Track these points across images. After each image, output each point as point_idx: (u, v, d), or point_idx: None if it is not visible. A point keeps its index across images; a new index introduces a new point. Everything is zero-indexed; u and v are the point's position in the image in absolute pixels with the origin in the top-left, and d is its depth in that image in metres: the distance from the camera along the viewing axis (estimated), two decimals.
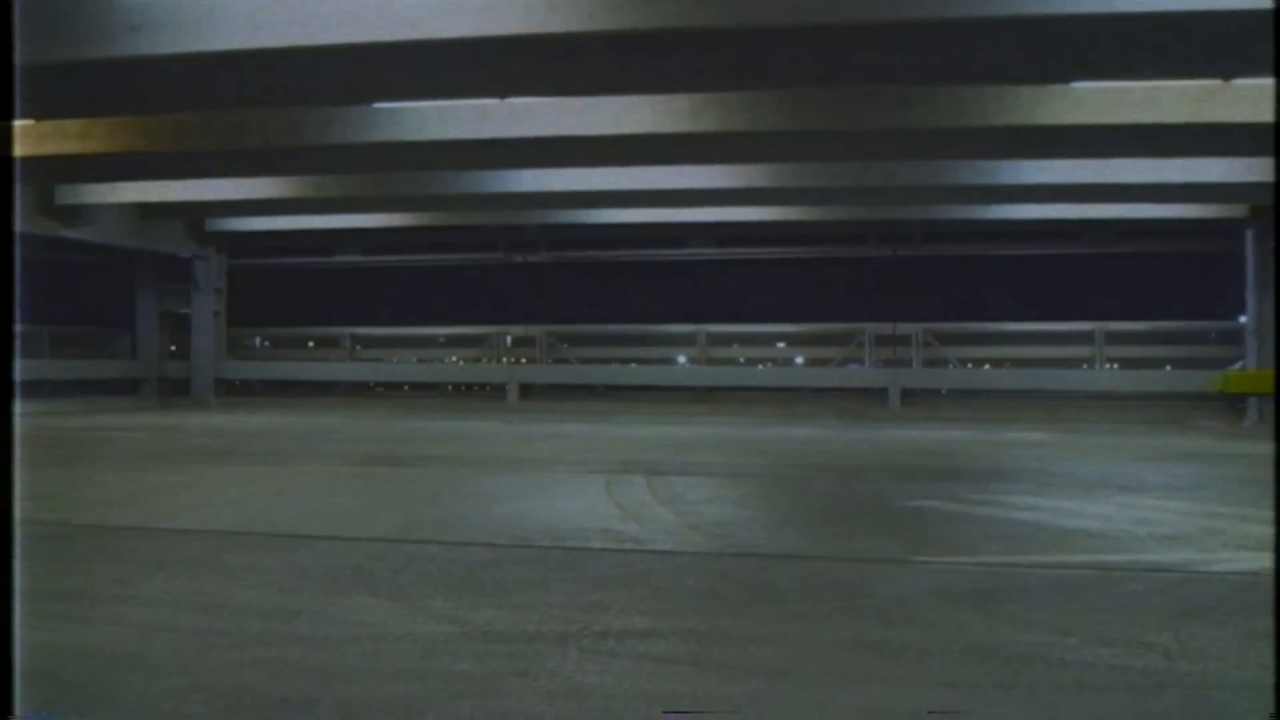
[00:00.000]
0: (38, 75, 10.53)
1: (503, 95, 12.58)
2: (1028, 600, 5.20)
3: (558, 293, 25.26)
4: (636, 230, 22.59)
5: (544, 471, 10.50)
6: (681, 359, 24.96)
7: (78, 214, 18.89)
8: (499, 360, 25.47)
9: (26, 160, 13.77)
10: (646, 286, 24.88)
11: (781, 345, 25.73)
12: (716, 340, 24.79)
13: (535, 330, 24.98)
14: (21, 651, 4.58)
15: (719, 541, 6.73)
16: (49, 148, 13.41)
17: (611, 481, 9.45)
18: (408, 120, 13.32)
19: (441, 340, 26.85)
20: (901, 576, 5.74)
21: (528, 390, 23.53)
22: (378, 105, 13.04)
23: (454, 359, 26.51)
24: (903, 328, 24.36)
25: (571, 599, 5.17)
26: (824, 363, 24.53)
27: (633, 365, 24.75)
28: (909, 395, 22.33)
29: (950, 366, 24.41)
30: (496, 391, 23.82)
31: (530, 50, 10.08)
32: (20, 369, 19.21)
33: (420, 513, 7.95)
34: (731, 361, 25.22)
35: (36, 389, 20.72)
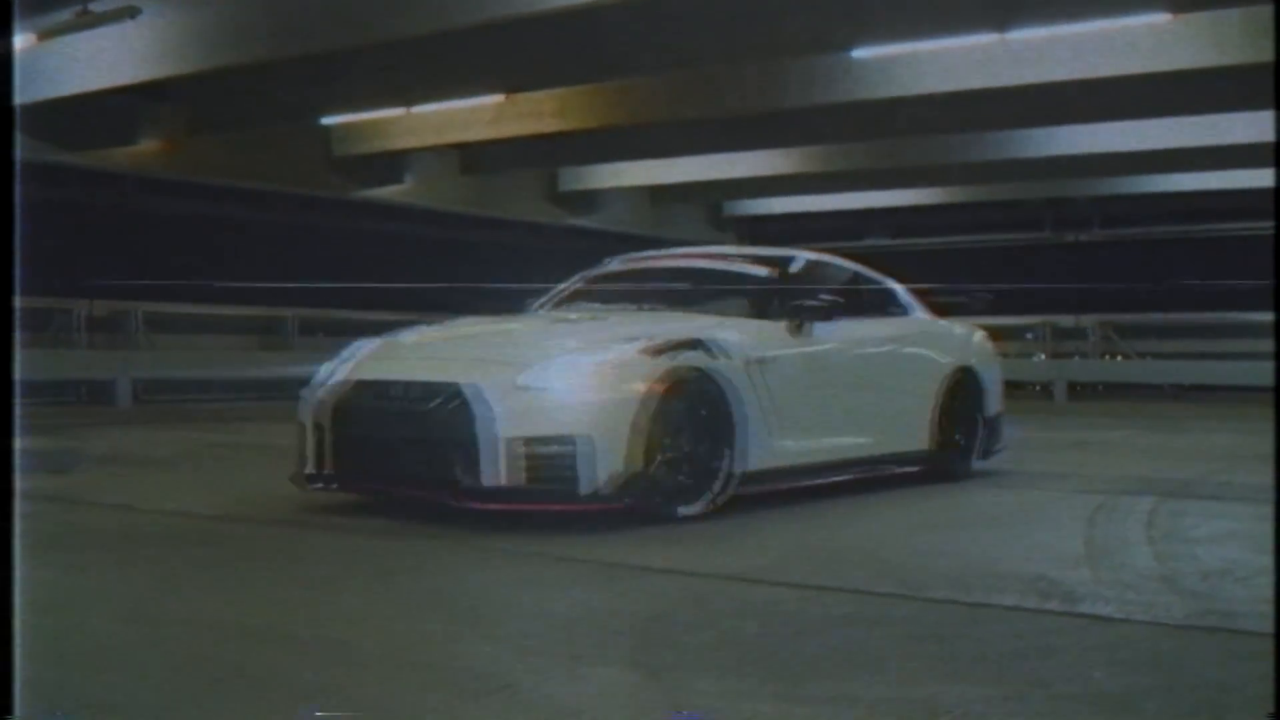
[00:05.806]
0: (490, 39, 9.99)
1: (1002, 29, 10.56)
2: None
3: (1110, 276, 22.21)
4: (1205, 199, 19.34)
5: (1023, 488, 8.43)
6: None
7: (584, 200, 18.43)
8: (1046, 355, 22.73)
9: (513, 142, 13.35)
10: (1221, 267, 21.23)
11: None
12: None
13: (1086, 320, 22.01)
14: None
15: (1194, 603, 4.57)
16: (529, 127, 12.83)
17: (1104, 505, 7.26)
18: (898, 71, 11.54)
19: None
20: None
21: (1076, 390, 20.81)
22: (856, 54, 11.37)
23: None
24: None
25: (896, 691, 3.41)
26: None
27: (1207, 361, 20.98)
28: None
29: None
30: (1036, 391, 21.25)
31: None
32: None
33: (803, 540, 6.21)
34: None
35: None
